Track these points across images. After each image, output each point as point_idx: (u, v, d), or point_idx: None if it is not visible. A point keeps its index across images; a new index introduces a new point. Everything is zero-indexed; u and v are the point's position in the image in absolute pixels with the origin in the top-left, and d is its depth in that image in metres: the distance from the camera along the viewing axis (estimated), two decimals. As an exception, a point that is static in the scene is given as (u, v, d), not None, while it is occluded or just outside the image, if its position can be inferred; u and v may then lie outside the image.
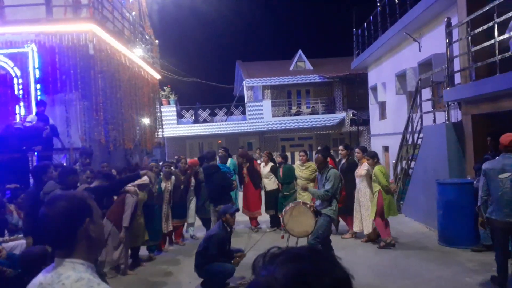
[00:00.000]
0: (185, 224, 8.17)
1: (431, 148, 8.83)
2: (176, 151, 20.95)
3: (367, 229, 7.39)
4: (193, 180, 7.96)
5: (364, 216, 7.37)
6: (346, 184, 7.22)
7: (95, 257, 1.55)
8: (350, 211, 7.60)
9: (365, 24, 15.43)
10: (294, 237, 5.63)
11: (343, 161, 7.99)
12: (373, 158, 7.22)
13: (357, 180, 7.47)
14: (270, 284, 0.78)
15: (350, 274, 0.85)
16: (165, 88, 20.46)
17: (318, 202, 5.74)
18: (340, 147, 8.22)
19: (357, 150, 7.79)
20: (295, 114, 21.89)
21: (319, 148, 9.36)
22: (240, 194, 9.13)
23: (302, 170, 8.29)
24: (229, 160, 8.75)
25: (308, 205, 5.55)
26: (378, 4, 13.68)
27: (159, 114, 14.12)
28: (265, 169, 8.79)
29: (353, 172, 7.56)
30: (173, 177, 7.47)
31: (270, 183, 8.65)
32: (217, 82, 26.93)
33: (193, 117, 21.89)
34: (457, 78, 8.39)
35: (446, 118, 8.55)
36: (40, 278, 1.44)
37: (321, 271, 0.80)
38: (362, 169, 7.36)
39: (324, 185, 5.70)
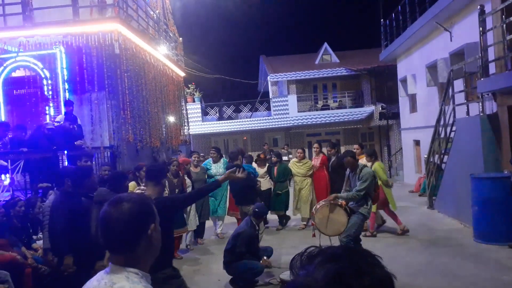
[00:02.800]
0: (184, 235, 7.28)
1: (464, 142, 8.51)
2: (201, 148, 21.09)
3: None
4: (188, 181, 7.25)
5: None
6: (337, 180, 7.85)
7: (149, 266, 1.46)
8: None
9: (393, 14, 15.01)
10: (326, 235, 5.48)
11: (333, 158, 8.42)
12: (371, 156, 7.67)
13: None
14: (310, 285, 0.78)
15: (392, 273, 0.82)
16: (189, 85, 20.59)
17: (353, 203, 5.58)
18: (328, 147, 8.83)
19: (356, 146, 8.21)
20: (322, 109, 21.60)
21: (326, 148, 9.25)
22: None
23: (299, 166, 8.57)
24: (221, 159, 8.34)
25: (339, 203, 5.38)
26: (406, -7, 13.28)
27: (184, 111, 14.20)
28: (261, 169, 8.68)
29: (343, 168, 7.91)
30: (166, 181, 6.72)
31: (265, 182, 8.59)
32: (241, 78, 26.95)
33: (217, 114, 21.95)
34: (492, 68, 8.03)
35: (480, 110, 8.21)
36: (93, 283, 1.39)
37: (361, 271, 0.78)
38: None
39: (357, 184, 5.56)
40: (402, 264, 6.11)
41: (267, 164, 8.87)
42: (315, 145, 8.90)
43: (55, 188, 5.06)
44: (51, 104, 8.40)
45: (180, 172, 7.01)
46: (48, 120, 8.10)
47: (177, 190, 6.65)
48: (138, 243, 1.38)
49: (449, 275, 5.61)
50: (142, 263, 1.40)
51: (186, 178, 7.21)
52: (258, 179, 8.40)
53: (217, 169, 8.02)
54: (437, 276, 5.61)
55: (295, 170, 8.61)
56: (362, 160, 7.70)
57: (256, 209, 5.70)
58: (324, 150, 10.01)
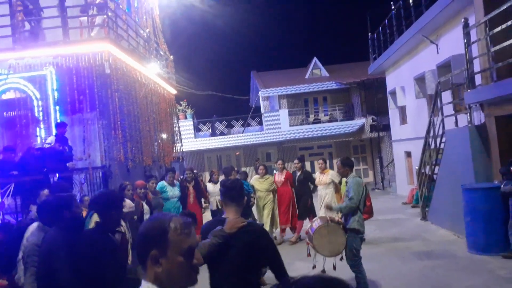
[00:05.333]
0: None
1: (454, 152, 8.59)
2: (194, 165, 21.03)
3: None
4: (146, 207, 6.48)
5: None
6: (302, 193, 8.68)
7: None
8: (302, 217, 8.74)
9: (380, 28, 15.26)
10: (326, 256, 5.29)
11: (299, 173, 8.89)
12: (345, 166, 7.73)
13: (320, 188, 8.54)
14: None
15: None
16: (181, 102, 20.64)
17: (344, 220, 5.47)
18: (295, 161, 9.22)
19: (320, 161, 8.88)
20: (313, 122, 21.72)
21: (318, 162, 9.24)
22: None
23: (261, 182, 8.72)
24: (177, 183, 8.25)
25: (337, 221, 5.26)
26: (393, 7, 13.53)
27: (176, 129, 14.21)
28: (216, 187, 8.25)
29: (308, 182, 8.80)
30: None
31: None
32: (232, 93, 27.05)
33: (210, 130, 21.97)
34: (478, 79, 8.17)
35: (469, 120, 8.32)
36: None
37: None
38: (326, 177, 8.42)
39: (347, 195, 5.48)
40: (397, 277, 6.11)
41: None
42: (279, 161, 9.17)
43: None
44: (41, 126, 8.37)
45: (134, 196, 6.19)
46: (38, 142, 8.06)
47: (135, 217, 5.69)
48: (145, 262, 1.48)
49: (444, 287, 5.61)
50: (161, 282, 1.47)
51: (144, 204, 6.46)
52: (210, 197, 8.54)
53: (174, 192, 7.90)
54: (432, 289, 5.62)
55: (258, 186, 8.71)
56: (328, 175, 8.38)
57: None
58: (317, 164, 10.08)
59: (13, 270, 4.35)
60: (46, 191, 5.25)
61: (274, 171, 9.43)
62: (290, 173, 9.09)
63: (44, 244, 3.37)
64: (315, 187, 8.86)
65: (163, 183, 7.97)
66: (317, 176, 8.77)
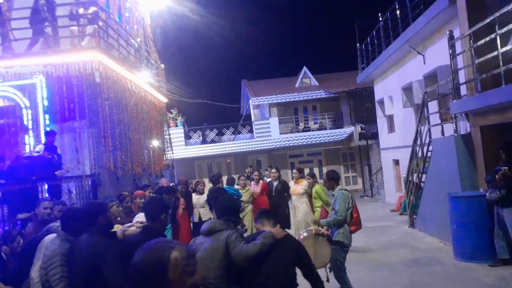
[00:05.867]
0: None
1: (441, 161, 8.74)
2: (185, 172, 21.00)
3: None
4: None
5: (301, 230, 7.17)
6: (280, 204, 8.57)
7: None
8: (282, 228, 8.41)
9: (369, 38, 15.50)
10: None
11: (276, 183, 8.87)
12: (313, 177, 8.19)
13: (294, 198, 8.34)
14: None
15: None
16: (172, 110, 20.64)
17: (331, 231, 5.45)
18: (273, 170, 9.17)
19: (294, 171, 8.70)
20: (303, 130, 21.87)
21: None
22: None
23: (243, 193, 8.63)
24: None
25: (321, 232, 5.25)
26: (381, 18, 13.76)
27: (167, 137, 14.20)
28: (201, 198, 8.27)
29: (285, 192, 8.72)
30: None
31: (206, 212, 8.19)
32: (223, 102, 27.13)
33: (201, 138, 21.98)
34: (463, 90, 8.34)
35: (455, 130, 8.48)
36: None
37: None
38: (300, 188, 8.23)
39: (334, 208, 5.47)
40: (386, 285, 6.18)
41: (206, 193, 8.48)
42: (256, 172, 9.16)
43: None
44: (30, 134, 8.32)
45: (133, 207, 6.06)
46: (27, 150, 8.01)
47: None
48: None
49: (431, 294, 5.69)
50: None
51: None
52: (198, 209, 8.21)
53: None
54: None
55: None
56: (301, 185, 8.22)
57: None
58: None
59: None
60: (48, 203, 5.08)
61: (265, 179, 9.47)
62: (266, 183, 9.04)
63: (78, 251, 3.28)
64: (290, 196, 8.71)
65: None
66: (292, 185, 8.58)
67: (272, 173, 9.07)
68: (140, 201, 6.11)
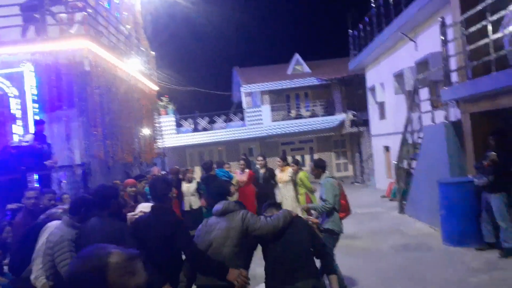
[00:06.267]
0: None
1: (431, 148, 8.81)
2: (176, 161, 20.94)
3: None
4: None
5: None
6: (268, 191, 8.25)
7: None
8: None
9: (361, 25, 15.44)
10: None
11: (262, 170, 8.59)
12: (297, 164, 8.15)
13: (281, 186, 8.19)
14: None
15: None
16: (162, 98, 20.48)
17: (321, 219, 5.52)
18: (259, 158, 8.84)
19: (278, 159, 8.55)
20: (295, 118, 21.88)
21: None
22: None
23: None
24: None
25: (311, 221, 5.29)
26: (373, 5, 13.69)
27: (158, 125, 14.12)
28: (190, 186, 8.21)
29: (271, 180, 8.51)
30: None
31: (196, 200, 8.20)
32: (215, 89, 27.00)
33: (192, 126, 21.89)
34: (454, 77, 8.38)
35: (445, 117, 8.53)
36: None
37: None
38: (285, 175, 8.08)
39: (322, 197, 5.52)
40: (374, 272, 6.26)
41: (196, 181, 8.50)
42: (241, 161, 8.92)
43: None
44: (19, 123, 8.22)
45: (124, 196, 5.79)
46: (16, 140, 7.92)
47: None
48: None
49: (420, 280, 5.78)
50: None
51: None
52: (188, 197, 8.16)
53: None
54: (408, 281, 5.78)
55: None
56: (287, 172, 8.09)
57: None
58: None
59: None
60: (32, 192, 5.08)
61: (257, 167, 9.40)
62: (253, 172, 8.75)
63: (91, 235, 3.28)
64: (276, 184, 8.53)
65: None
66: (277, 173, 8.44)
67: (259, 160, 8.73)
68: (131, 190, 6.09)
